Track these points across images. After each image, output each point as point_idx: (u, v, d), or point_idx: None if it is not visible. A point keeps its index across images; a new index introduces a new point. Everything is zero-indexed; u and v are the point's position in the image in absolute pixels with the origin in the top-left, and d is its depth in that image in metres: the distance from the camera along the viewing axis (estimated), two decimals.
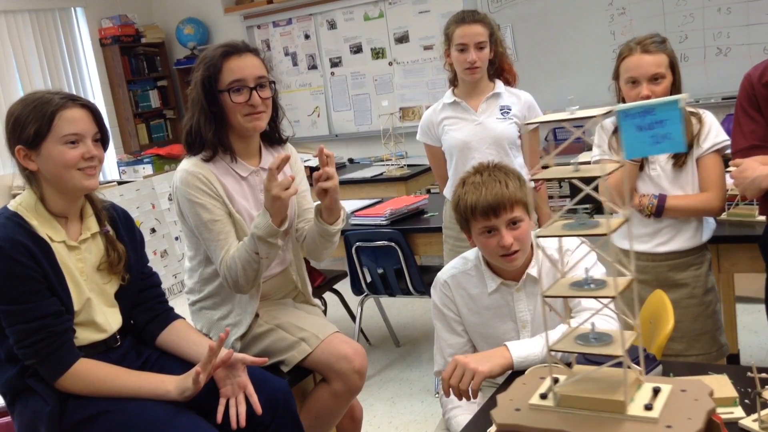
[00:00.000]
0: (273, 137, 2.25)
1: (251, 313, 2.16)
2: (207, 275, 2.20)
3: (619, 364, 1.09)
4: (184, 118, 2.17)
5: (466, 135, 2.89)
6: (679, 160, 2.30)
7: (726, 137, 2.30)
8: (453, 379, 1.68)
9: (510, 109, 2.90)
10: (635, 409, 1.07)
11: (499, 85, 2.93)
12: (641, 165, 2.35)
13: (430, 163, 3.23)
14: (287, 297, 2.33)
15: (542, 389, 1.17)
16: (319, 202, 2.12)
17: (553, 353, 1.13)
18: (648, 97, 2.23)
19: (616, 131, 2.16)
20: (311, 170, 2.35)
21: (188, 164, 2.10)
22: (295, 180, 2.25)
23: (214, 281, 2.19)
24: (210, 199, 2.06)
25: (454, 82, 2.98)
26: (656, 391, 1.11)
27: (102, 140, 1.84)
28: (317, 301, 2.43)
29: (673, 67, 2.29)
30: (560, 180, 1.24)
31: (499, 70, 2.96)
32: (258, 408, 1.84)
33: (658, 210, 2.29)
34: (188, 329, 2.02)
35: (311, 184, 2.13)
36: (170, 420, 1.72)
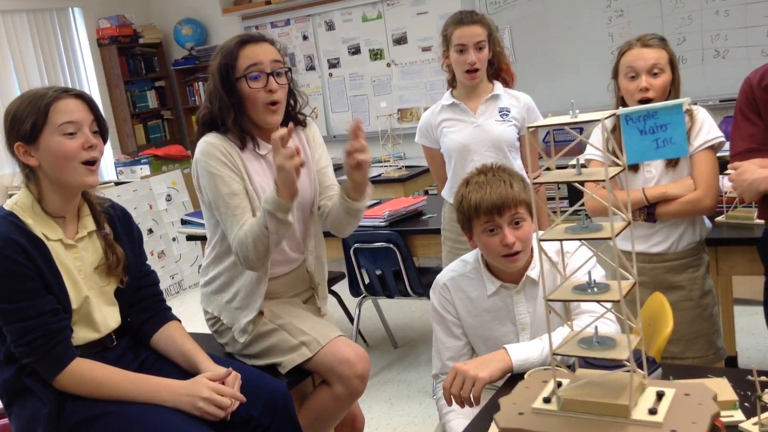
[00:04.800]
0: (293, 119, 2.22)
1: (260, 295, 2.13)
2: (217, 254, 2.19)
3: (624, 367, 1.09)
4: (200, 108, 2.16)
5: (465, 137, 2.87)
6: (672, 160, 2.30)
7: (719, 134, 2.29)
8: (454, 388, 1.67)
9: (509, 111, 2.88)
10: (639, 413, 1.07)
11: (498, 87, 2.91)
12: (636, 168, 2.35)
13: (428, 164, 3.21)
14: (298, 296, 2.29)
15: (545, 393, 1.17)
16: (343, 178, 2.09)
17: (554, 356, 1.13)
18: (646, 89, 2.25)
19: (613, 131, 2.16)
20: None
21: (210, 137, 2.09)
22: (315, 155, 2.24)
23: (222, 262, 2.17)
24: (229, 172, 2.05)
25: (452, 83, 2.97)
26: (660, 395, 1.11)
27: (101, 132, 1.83)
28: (328, 309, 2.36)
29: (673, 65, 2.29)
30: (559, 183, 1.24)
31: (498, 70, 2.95)
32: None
33: (650, 218, 2.30)
34: (177, 335, 1.99)
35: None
36: (168, 423, 1.72)
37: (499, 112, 2.87)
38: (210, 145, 2.07)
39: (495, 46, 2.87)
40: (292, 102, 2.20)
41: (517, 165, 2.87)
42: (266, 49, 2.08)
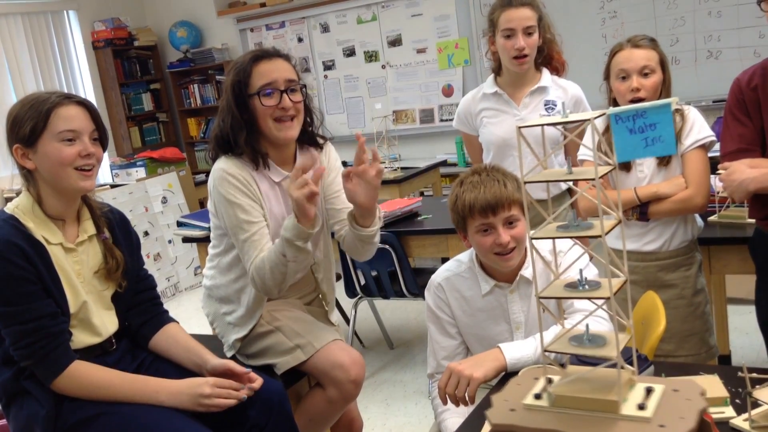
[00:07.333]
0: (309, 141, 2.20)
1: (256, 318, 2.13)
2: (223, 265, 2.18)
3: (612, 365, 1.10)
4: (213, 124, 2.15)
5: (506, 131, 2.70)
6: (664, 159, 2.32)
7: (710, 133, 2.31)
8: (449, 387, 1.68)
9: (555, 105, 2.69)
10: (628, 408, 1.08)
11: (546, 77, 2.73)
12: (628, 167, 2.37)
13: (467, 150, 3.04)
14: (302, 299, 2.28)
15: (536, 389, 1.18)
16: (351, 208, 2.04)
17: (547, 354, 1.14)
18: (637, 90, 2.26)
19: (605, 131, 2.18)
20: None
21: (227, 164, 2.06)
22: (329, 179, 2.19)
23: (225, 275, 2.17)
24: (248, 200, 2.03)
25: (497, 71, 2.77)
26: (649, 391, 1.12)
27: (100, 140, 1.85)
28: (335, 317, 2.34)
29: (663, 65, 2.31)
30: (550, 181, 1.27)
31: (548, 58, 2.75)
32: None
33: (642, 217, 2.32)
34: (179, 334, 2.01)
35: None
36: (165, 423, 1.73)
37: (545, 105, 2.69)
38: (227, 173, 2.03)
39: (545, 32, 2.69)
40: (308, 119, 2.16)
41: (558, 161, 2.72)
42: (280, 66, 2.05)
